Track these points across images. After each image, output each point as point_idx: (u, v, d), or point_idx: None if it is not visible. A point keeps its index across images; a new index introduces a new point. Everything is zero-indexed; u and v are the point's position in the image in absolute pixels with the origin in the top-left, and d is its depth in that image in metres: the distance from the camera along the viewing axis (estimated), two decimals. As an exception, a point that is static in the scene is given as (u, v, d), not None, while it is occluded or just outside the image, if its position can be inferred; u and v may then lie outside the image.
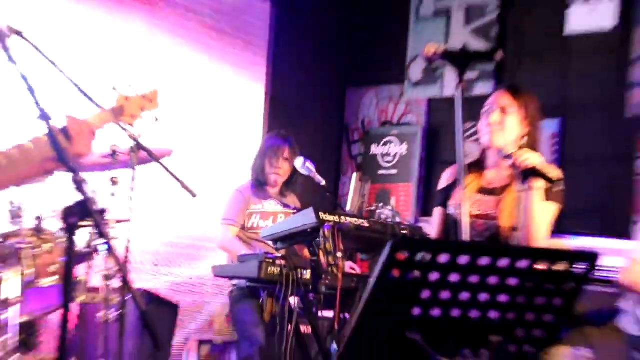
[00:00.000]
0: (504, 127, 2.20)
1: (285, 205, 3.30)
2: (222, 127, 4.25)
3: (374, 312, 1.26)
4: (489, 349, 1.38)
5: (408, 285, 1.24)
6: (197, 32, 4.11)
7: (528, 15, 4.29)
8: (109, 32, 3.66)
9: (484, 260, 1.25)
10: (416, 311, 1.27)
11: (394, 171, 4.72)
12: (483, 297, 1.31)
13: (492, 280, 1.30)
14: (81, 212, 1.16)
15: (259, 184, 3.29)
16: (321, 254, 2.19)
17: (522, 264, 1.30)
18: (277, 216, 3.26)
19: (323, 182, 2.93)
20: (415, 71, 4.64)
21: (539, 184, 2.10)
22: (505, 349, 1.41)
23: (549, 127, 3.80)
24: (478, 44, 4.30)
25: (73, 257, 1.37)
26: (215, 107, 4.22)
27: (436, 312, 1.29)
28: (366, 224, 2.34)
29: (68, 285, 1.45)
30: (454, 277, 1.25)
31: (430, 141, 4.59)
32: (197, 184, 2.57)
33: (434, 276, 1.23)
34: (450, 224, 2.31)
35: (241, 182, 3.42)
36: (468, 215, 2.01)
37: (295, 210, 3.19)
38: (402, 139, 4.68)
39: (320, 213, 2.19)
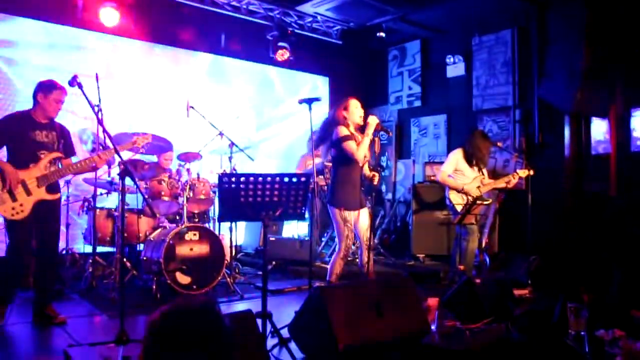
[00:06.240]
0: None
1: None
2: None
3: (229, 199, 3.85)
4: (279, 211, 3.90)
5: (235, 189, 3.81)
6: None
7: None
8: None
9: (260, 179, 3.81)
10: (242, 199, 3.83)
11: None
12: (267, 192, 3.86)
13: (267, 186, 3.84)
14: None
15: None
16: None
17: (277, 179, 3.84)
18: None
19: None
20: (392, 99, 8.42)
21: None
22: (287, 212, 3.93)
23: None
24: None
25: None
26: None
27: (250, 199, 3.85)
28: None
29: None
30: (250, 186, 3.81)
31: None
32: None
33: (243, 185, 3.79)
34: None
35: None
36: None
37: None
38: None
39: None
